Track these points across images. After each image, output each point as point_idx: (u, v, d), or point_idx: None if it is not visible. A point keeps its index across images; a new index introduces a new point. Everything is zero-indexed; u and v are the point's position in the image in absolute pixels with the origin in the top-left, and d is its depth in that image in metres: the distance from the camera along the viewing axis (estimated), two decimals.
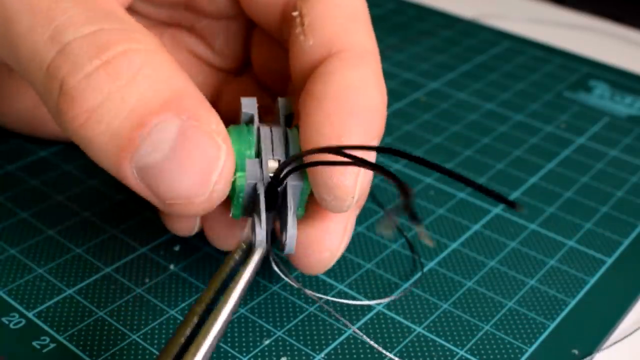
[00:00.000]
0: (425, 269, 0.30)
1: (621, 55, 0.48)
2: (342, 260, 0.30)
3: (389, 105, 0.41)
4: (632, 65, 0.47)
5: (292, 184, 0.24)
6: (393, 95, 0.42)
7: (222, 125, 0.23)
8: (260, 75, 0.31)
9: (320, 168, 0.23)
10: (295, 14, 0.27)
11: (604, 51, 0.49)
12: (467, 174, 0.36)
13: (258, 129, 0.25)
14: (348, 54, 0.26)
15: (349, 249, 0.30)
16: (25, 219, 0.31)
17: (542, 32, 0.51)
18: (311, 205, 0.26)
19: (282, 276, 0.26)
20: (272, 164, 0.24)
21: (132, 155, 0.22)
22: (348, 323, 0.27)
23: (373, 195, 0.34)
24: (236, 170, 0.23)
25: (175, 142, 0.22)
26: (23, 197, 0.32)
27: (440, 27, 0.51)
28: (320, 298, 0.28)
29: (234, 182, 0.23)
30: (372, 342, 0.26)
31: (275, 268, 0.26)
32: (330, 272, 0.29)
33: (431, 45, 0.48)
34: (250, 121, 0.25)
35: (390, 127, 0.39)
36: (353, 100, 0.24)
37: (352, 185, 0.23)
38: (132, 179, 0.22)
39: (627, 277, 0.30)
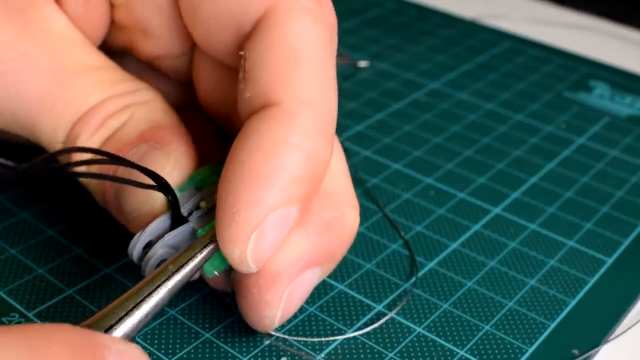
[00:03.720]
0: (425, 269, 0.30)
1: (621, 55, 0.48)
2: (342, 261, 0.30)
3: (389, 105, 0.41)
4: (632, 65, 0.47)
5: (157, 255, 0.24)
6: (393, 95, 0.42)
7: (184, 147, 0.25)
8: (205, 107, 0.29)
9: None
10: (242, 53, 0.24)
11: (604, 51, 0.49)
12: (467, 174, 0.36)
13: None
14: (274, 110, 0.22)
15: (349, 249, 0.30)
16: (25, 219, 0.31)
17: (542, 32, 0.51)
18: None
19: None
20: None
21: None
22: (311, 354, 0.26)
23: (372, 197, 0.34)
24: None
25: (139, 161, 0.24)
26: (23, 197, 0.32)
27: (440, 27, 0.51)
28: (272, 336, 0.26)
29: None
30: None
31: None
32: (330, 273, 0.29)
33: (431, 45, 0.48)
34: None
35: (390, 127, 0.39)
36: (260, 167, 0.22)
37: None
38: (112, 203, 0.26)
39: (627, 277, 0.30)
